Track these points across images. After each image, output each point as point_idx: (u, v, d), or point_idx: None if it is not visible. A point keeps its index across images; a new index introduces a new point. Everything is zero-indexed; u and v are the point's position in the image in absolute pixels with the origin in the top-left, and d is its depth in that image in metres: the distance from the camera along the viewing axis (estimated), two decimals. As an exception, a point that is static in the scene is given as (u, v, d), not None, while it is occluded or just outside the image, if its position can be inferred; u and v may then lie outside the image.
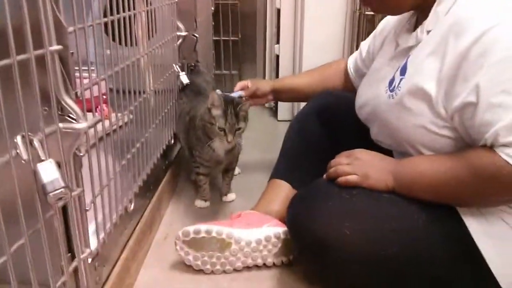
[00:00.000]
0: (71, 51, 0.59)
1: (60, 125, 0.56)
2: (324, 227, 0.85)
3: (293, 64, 2.13)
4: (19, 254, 0.50)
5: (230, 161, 1.34)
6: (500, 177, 0.74)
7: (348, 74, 1.32)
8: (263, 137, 1.22)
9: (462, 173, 0.79)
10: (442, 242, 0.83)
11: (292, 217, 0.94)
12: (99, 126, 0.70)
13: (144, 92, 1.05)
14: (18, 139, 0.46)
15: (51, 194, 0.47)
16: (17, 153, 0.46)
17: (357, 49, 1.33)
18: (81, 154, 0.66)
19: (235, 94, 1.28)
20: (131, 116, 1.02)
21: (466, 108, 0.76)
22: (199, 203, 1.36)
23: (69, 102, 0.54)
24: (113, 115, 0.90)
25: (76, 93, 0.60)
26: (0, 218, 0.45)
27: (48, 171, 0.47)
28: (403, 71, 0.89)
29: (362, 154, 0.94)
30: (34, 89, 0.48)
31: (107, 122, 0.83)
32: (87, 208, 0.70)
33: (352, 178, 0.89)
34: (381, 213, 0.85)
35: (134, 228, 1.03)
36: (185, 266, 1.06)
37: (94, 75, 0.74)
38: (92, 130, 0.70)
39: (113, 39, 0.87)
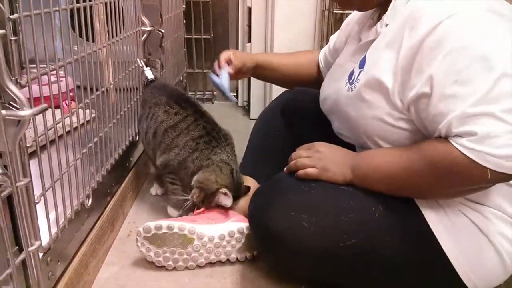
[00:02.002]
0: (14, 38, 0.58)
1: (3, 112, 0.54)
2: (282, 220, 0.85)
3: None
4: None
5: None
6: (454, 167, 0.74)
7: (319, 66, 1.32)
8: (235, 136, 1.21)
9: (417, 164, 0.79)
10: (400, 233, 0.84)
11: (252, 210, 0.93)
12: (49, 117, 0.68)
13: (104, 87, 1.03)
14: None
15: (-13, 181, 0.45)
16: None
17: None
18: (28, 145, 0.64)
19: (223, 72, 1.21)
20: (93, 114, 1.00)
21: (420, 99, 0.76)
22: (172, 211, 1.24)
23: (12, 88, 0.52)
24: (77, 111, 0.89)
25: (19, 82, 0.59)
26: None
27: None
28: (362, 64, 0.89)
29: (322, 147, 0.94)
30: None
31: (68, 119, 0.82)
32: (36, 201, 0.68)
33: (311, 171, 0.90)
34: (338, 206, 0.85)
35: (94, 225, 1.00)
36: (147, 263, 1.04)
37: (52, 66, 0.73)
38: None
39: (74, 31, 0.86)
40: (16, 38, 0.58)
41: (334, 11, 1.80)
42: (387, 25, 0.87)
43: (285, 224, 0.84)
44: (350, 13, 1.19)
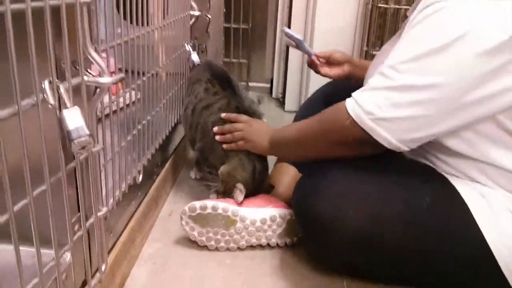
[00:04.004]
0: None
1: (85, 78, 0.56)
2: (328, 207, 0.85)
3: (302, 55, 2.12)
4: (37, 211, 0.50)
5: None
6: (332, 113, 0.86)
7: None
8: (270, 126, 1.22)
9: (312, 125, 0.93)
10: (445, 226, 0.84)
11: (298, 197, 0.94)
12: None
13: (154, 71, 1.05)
14: (46, 84, 0.46)
15: (75, 141, 0.47)
16: (44, 97, 0.46)
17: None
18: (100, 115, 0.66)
19: (296, 35, 1.25)
20: (138, 96, 1.02)
21: None
22: (213, 195, 1.23)
23: (94, 56, 0.54)
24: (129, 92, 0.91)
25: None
26: (27, 167, 0.45)
27: (74, 118, 0.47)
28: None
29: (254, 124, 1.12)
30: (63, 37, 0.48)
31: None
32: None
33: (240, 143, 1.09)
34: (386, 195, 0.86)
35: (141, 201, 1.03)
36: (189, 242, 1.06)
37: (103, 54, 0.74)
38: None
39: (125, 18, 0.87)
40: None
41: (378, 5, 1.78)
42: (415, 9, 0.87)
43: (332, 211, 0.85)
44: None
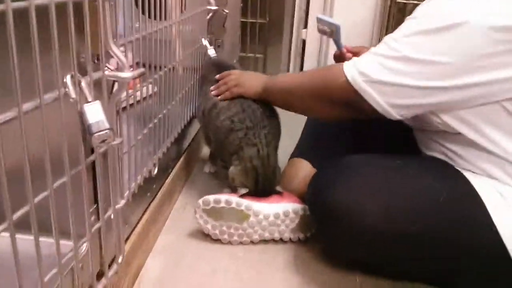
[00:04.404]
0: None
1: (106, 72, 0.57)
2: (345, 200, 0.85)
3: (319, 50, 2.12)
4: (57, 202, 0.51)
5: None
6: (331, 76, 0.89)
7: None
8: (284, 121, 1.22)
9: (307, 77, 0.99)
10: (461, 220, 0.84)
11: (313, 190, 0.94)
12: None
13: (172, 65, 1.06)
14: (68, 78, 0.47)
15: (96, 134, 0.48)
16: (66, 92, 0.47)
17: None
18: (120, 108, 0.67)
19: (333, 21, 1.23)
20: (155, 89, 1.03)
21: None
22: (227, 189, 1.21)
23: (115, 51, 0.55)
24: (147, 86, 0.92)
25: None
26: (48, 160, 0.46)
27: (94, 112, 0.48)
28: None
29: (247, 72, 1.20)
30: (85, 32, 0.49)
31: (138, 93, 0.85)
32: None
33: (233, 90, 1.13)
34: (403, 189, 0.86)
35: (156, 193, 1.04)
36: (202, 236, 1.08)
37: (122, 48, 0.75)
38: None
39: (143, 13, 0.88)
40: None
41: (397, 0, 1.77)
42: None
43: (347, 205, 0.85)
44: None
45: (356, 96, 0.85)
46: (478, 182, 0.85)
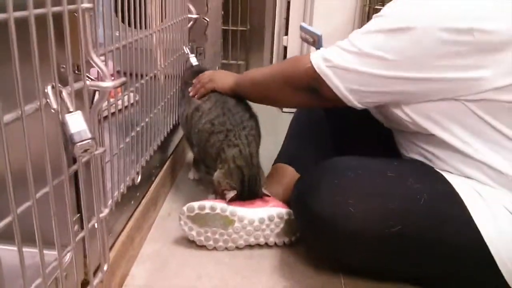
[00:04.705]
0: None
1: (87, 82, 0.57)
2: (328, 205, 0.87)
3: (300, 56, 2.14)
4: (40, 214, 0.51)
5: None
6: (297, 63, 0.94)
7: None
8: (265, 128, 1.23)
9: (276, 67, 1.07)
10: (442, 221, 0.85)
11: (297, 194, 0.96)
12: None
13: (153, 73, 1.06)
14: (49, 89, 0.48)
15: (78, 144, 0.48)
16: (47, 102, 0.47)
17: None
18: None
19: (315, 30, 1.28)
20: (137, 98, 1.04)
21: None
22: (212, 196, 1.23)
23: (96, 60, 0.56)
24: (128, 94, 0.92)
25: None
26: (30, 170, 0.46)
27: (76, 122, 0.49)
28: None
29: (220, 71, 1.27)
30: (65, 42, 0.50)
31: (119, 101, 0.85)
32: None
33: (207, 85, 1.19)
34: (385, 192, 0.87)
35: (140, 201, 1.05)
36: (188, 242, 1.08)
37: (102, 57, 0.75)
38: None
39: (123, 21, 0.88)
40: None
41: (376, 7, 1.80)
42: None
43: (331, 208, 0.86)
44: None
45: (318, 79, 0.90)
46: (457, 183, 0.87)
